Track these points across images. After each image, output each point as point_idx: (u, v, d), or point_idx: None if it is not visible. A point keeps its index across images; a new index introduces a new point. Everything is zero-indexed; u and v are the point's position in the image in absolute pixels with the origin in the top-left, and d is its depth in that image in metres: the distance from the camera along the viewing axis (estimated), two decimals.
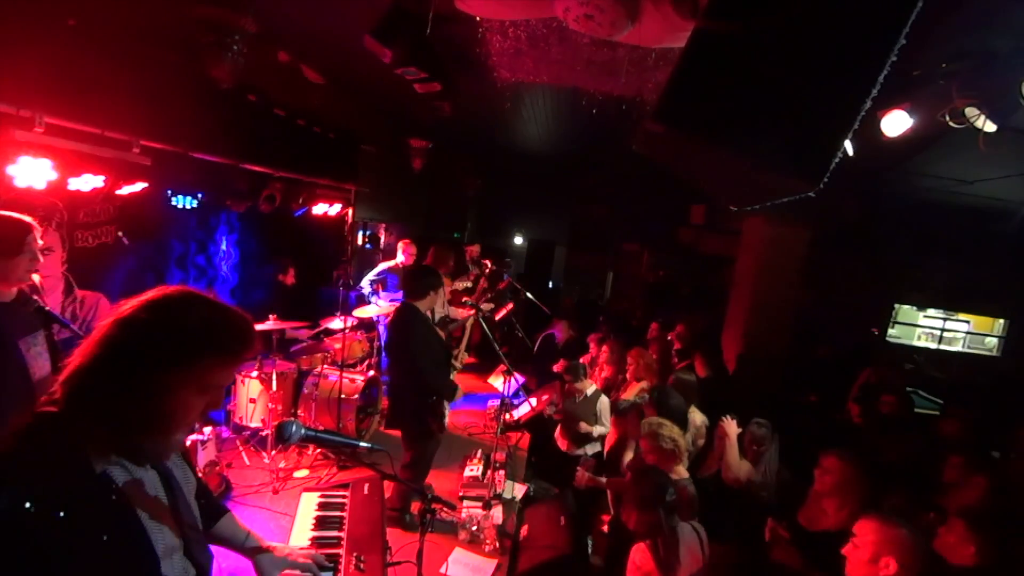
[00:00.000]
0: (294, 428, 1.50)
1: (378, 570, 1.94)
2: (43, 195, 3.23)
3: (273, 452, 4.19)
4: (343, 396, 4.47)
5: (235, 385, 4.43)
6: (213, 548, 1.37)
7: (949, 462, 3.09)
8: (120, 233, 4.26)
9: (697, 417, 3.89)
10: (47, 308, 2.43)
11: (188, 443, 3.50)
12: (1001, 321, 9.22)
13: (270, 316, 4.45)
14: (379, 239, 8.57)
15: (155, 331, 1.04)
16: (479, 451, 4.45)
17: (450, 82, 3.24)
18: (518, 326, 6.40)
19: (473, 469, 4.19)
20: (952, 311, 9.26)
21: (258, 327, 3.84)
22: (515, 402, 5.11)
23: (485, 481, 4.00)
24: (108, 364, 1.02)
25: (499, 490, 3.99)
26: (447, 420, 3.64)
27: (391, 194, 7.89)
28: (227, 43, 2.94)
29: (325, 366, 4.75)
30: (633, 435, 3.68)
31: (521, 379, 5.34)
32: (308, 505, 2.35)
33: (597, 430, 4.36)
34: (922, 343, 9.39)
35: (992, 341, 9.35)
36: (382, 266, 5.91)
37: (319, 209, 6.18)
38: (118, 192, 3.78)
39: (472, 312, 5.27)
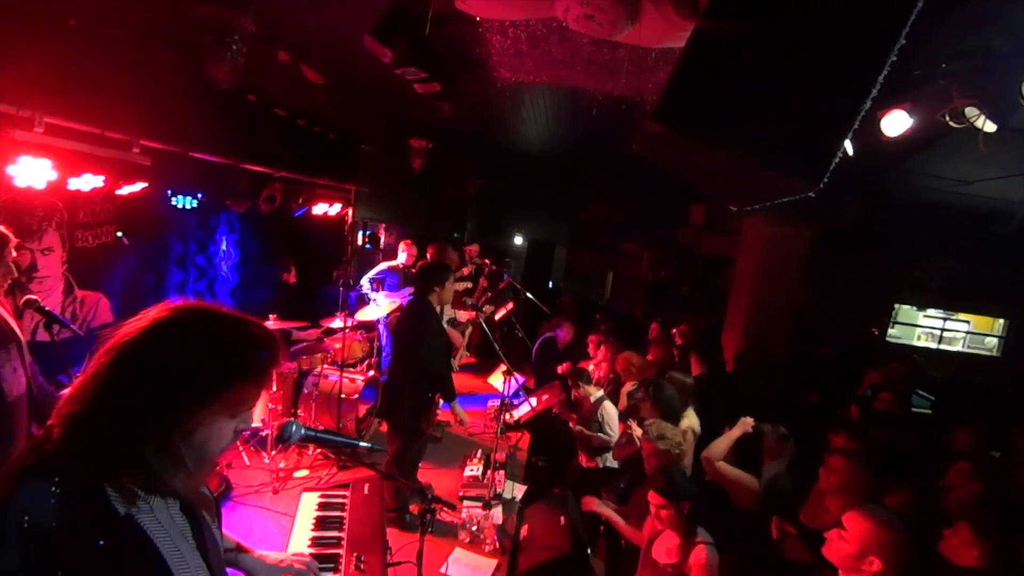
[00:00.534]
0: (294, 428, 1.49)
1: (378, 570, 1.94)
2: (43, 195, 3.23)
3: (273, 452, 4.19)
4: (343, 396, 4.47)
5: None
6: None
7: (956, 466, 3.09)
8: (120, 233, 4.26)
9: (689, 422, 3.82)
10: (47, 308, 2.43)
11: None
12: (1001, 321, 9.23)
13: (270, 316, 4.45)
14: (379, 239, 8.57)
15: (174, 367, 0.92)
16: (479, 451, 4.45)
17: (450, 82, 3.24)
18: (518, 326, 6.40)
19: (473, 469, 4.19)
20: (952, 311, 9.26)
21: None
22: (515, 402, 5.11)
23: (485, 481, 4.01)
24: (111, 414, 0.90)
25: (499, 490, 3.99)
26: (437, 419, 3.61)
27: (391, 194, 7.89)
28: (227, 43, 2.94)
29: (325, 366, 4.75)
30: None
31: (521, 379, 5.34)
32: (308, 505, 2.35)
33: (599, 438, 4.26)
34: (922, 343, 9.40)
35: (992, 341, 9.35)
36: (382, 266, 5.91)
37: (319, 209, 6.18)
38: (118, 192, 3.78)
39: (474, 314, 5.27)
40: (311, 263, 6.40)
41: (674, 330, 5.75)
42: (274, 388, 4.28)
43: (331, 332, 5.38)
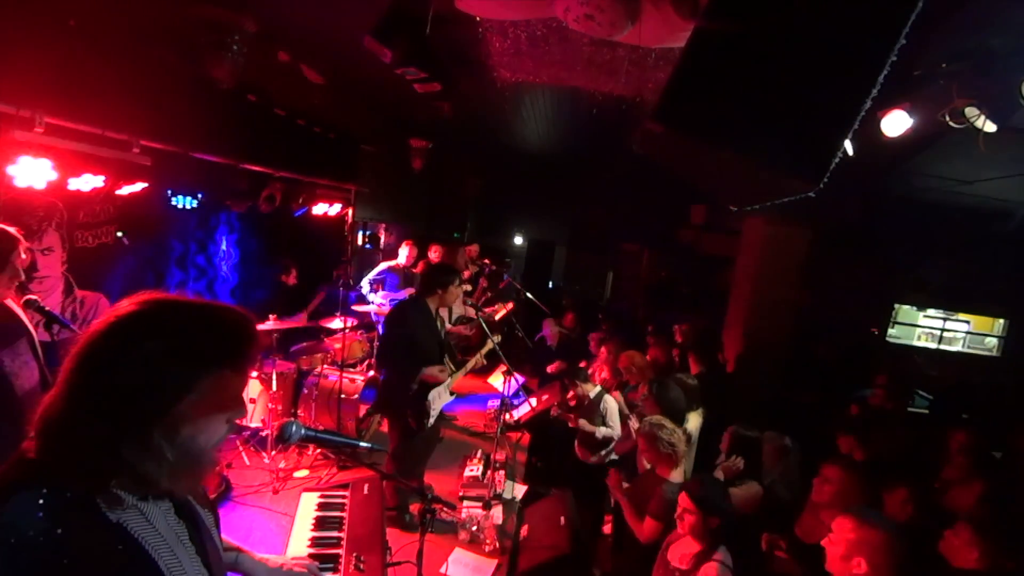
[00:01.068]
0: (294, 428, 1.50)
1: (378, 570, 1.94)
2: (43, 195, 3.23)
3: (273, 452, 4.19)
4: (343, 396, 4.47)
5: None
6: None
7: (954, 461, 3.08)
8: (120, 233, 4.26)
9: (692, 424, 3.82)
10: (47, 308, 2.42)
11: None
12: (1001, 321, 9.22)
13: (270, 316, 4.45)
14: (379, 239, 8.57)
15: (145, 360, 0.88)
16: (479, 451, 4.46)
17: (450, 82, 3.23)
18: (518, 326, 6.40)
19: (473, 469, 4.19)
20: (952, 311, 9.26)
21: (258, 327, 3.84)
22: (515, 402, 5.11)
23: (485, 481, 4.01)
24: (83, 418, 0.86)
25: (499, 490, 3.99)
26: (431, 420, 3.59)
27: (391, 194, 7.88)
28: (227, 43, 2.94)
29: (325, 366, 4.75)
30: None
31: (521, 379, 5.34)
32: (308, 505, 2.35)
33: (601, 431, 4.28)
34: (922, 343, 9.39)
35: (992, 341, 9.35)
36: (382, 266, 5.91)
37: (319, 209, 6.18)
38: (118, 192, 3.78)
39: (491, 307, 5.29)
40: (311, 263, 6.40)
41: (676, 327, 5.74)
42: (274, 388, 4.28)
43: (331, 332, 5.39)
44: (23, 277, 2.28)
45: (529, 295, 7.05)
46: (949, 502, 2.97)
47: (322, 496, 2.42)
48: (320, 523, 2.25)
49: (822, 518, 2.63)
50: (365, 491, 2.40)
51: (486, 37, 3.31)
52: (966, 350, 9.38)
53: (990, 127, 2.63)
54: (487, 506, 3.74)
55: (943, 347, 9.36)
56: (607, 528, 3.80)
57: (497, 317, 6.50)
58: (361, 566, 1.93)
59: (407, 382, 3.48)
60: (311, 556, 1.94)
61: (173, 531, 0.98)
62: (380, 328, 5.64)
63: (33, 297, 2.41)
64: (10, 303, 2.29)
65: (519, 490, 4.16)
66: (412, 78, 3.03)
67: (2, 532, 0.80)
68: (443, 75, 3.11)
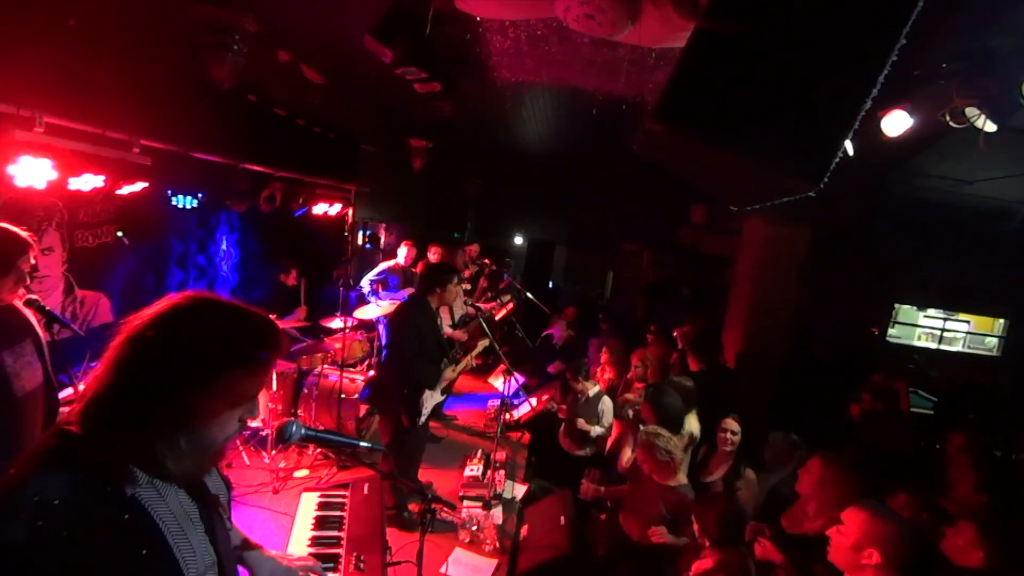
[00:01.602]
0: (294, 428, 1.50)
1: (378, 570, 1.95)
2: (43, 195, 3.23)
3: (273, 452, 4.19)
4: (343, 396, 4.47)
5: None
6: None
7: (956, 459, 3.08)
8: (120, 233, 4.26)
9: (689, 428, 3.83)
10: (48, 308, 2.42)
11: None
12: (1001, 321, 9.21)
13: (270, 316, 4.44)
14: (379, 239, 8.57)
15: (168, 351, 0.97)
16: (479, 451, 4.46)
17: (450, 82, 3.24)
18: (518, 326, 6.40)
19: (473, 469, 4.19)
20: (952, 311, 9.25)
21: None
22: (515, 402, 5.12)
23: (485, 481, 4.01)
24: (126, 392, 0.95)
25: (499, 490, 3.99)
26: (423, 418, 3.59)
27: (391, 194, 7.89)
28: (227, 43, 2.94)
29: (325, 366, 4.75)
30: (631, 435, 3.67)
31: (521, 379, 5.34)
32: (308, 505, 2.35)
33: (595, 430, 4.35)
34: (922, 343, 9.38)
35: (992, 341, 9.34)
36: (382, 266, 5.91)
37: (319, 209, 6.18)
38: (118, 192, 3.78)
39: (493, 304, 5.29)
40: (311, 263, 6.40)
41: (676, 332, 5.74)
42: (274, 388, 4.28)
43: (330, 332, 5.38)
44: (28, 281, 2.28)
45: (529, 295, 7.05)
46: (950, 502, 2.97)
47: (322, 496, 2.42)
48: (320, 523, 2.25)
49: (807, 510, 2.65)
50: (365, 491, 2.40)
51: (486, 37, 3.31)
52: (966, 350, 9.37)
53: (990, 127, 2.63)
54: (487, 506, 3.74)
55: (943, 347, 9.35)
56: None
57: (497, 317, 6.51)
58: (361, 566, 1.94)
59: (406, 380, 3.49)
60: (311, 556, 1.94)
61: (183, 508, 1.04)
62: (380, 327, 5.65)
63: (34, 297, 2.41)
64: (18, 304, 2.30)
65: (519, 490, 4.15)
66: (412, 78, 3.04)
67: (29, 492, 0.86)
68: (443, 75, 3.11)
